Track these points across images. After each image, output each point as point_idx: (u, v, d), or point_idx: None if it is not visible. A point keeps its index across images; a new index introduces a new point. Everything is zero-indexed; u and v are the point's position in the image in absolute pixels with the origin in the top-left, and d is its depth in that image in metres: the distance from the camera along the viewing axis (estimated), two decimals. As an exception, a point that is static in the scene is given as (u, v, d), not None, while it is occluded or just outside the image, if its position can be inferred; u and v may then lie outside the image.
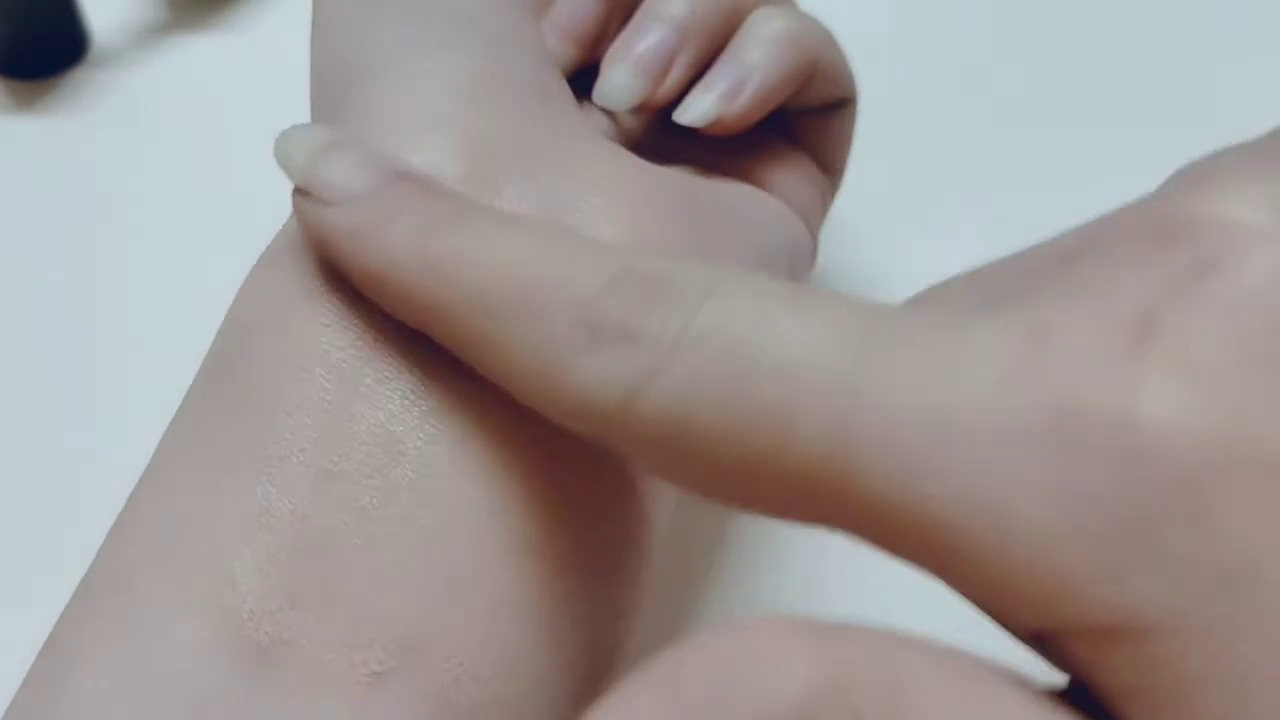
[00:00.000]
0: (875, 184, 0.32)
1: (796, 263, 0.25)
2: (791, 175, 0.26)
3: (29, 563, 0.27)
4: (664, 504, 0.21)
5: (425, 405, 0.19)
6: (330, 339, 0.19)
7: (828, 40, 0.26)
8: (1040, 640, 0.14)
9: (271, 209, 0.22)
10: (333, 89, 0.22)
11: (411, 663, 0.18)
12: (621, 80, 0.24)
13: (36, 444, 0.29)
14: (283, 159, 0.20)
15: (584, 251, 0.17)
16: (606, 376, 0.16)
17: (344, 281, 0.19)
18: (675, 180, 0.23)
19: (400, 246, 0.18)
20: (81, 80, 0.36)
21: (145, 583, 0.18)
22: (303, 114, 0.24)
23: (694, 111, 0.24)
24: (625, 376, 0.15)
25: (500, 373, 0.17)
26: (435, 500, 0.18)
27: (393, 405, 0.19)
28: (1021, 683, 0.13)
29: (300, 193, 0.19)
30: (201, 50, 0.37)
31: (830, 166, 0.28)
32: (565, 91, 0.23)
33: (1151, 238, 0.14)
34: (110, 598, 0.18)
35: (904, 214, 0.34)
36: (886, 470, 0.14)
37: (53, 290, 0.32)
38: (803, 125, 0.27)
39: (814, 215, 0.27)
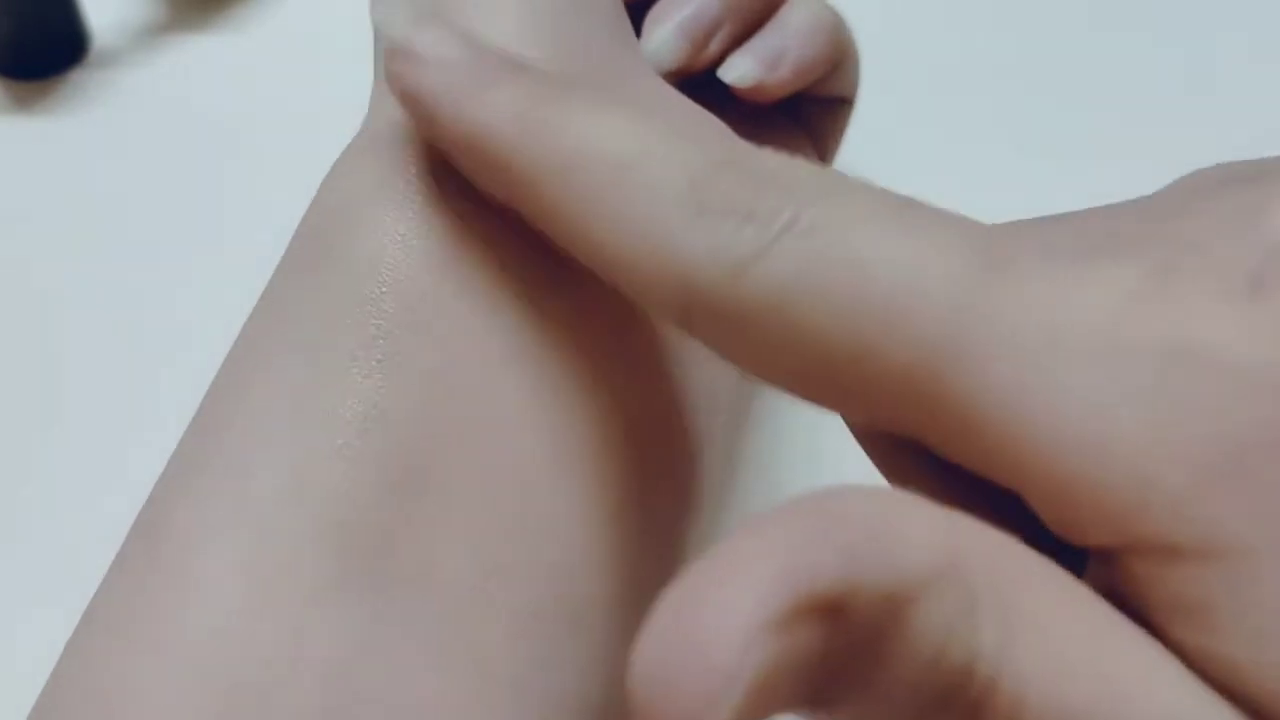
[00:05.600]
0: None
1: None
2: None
3: (27, 569, 0.27)
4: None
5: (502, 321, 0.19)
6: (415, 231, 0.19)
7: (853, 39, 0.27)
8: (1099, 554, 0.14)
9: (271, 208, 0.22)
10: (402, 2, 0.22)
11: (516, 561, 0.18)
12: (667, 39, 0.25)
13: (35, 444, 0.29)
14: (383, 22, 0.19)
15: (688, 132, 0.17)
16: (716, 246, 0.15)
17: (435, 171, 0.19)
18: (729, 132, 0.23)
19: (501, 110, 0.17)
20: (81, 80, 0.36)
21: (259, 472, 0.17)
22: (303, 114, 0.24)
23: (737, 71, 0.25)
24: (735, 250, 0.15)
25: (596, 245, 0.17)
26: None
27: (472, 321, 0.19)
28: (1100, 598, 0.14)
29: (397, 57, 0.19)
30: (201, 50, 0.37)
31: (824, 156, 0.29)
32: (630, 30, 0.24)
33: (1250, 211, 0.14)
34: (224, 481, 0.18)
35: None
36: (990, 382, 0.14)
37: (53, 290, 0.32)
38: (812, 114, 0.28)
39: None
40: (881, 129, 0.34)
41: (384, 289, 0.19)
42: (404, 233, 0.19)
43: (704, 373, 0.21)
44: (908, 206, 0.16)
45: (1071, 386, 0.14)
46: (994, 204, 0.34)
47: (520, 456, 0.18)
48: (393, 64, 0.19)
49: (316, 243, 0.20)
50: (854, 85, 0.28)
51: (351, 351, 0.18)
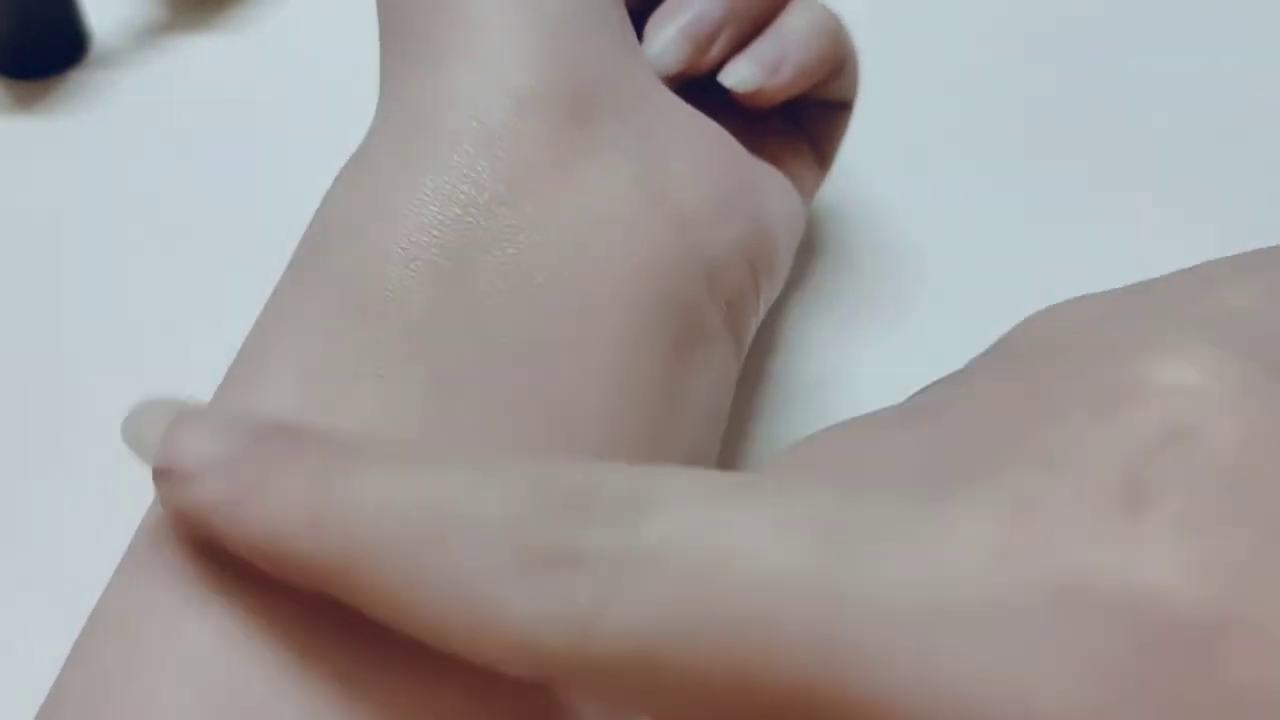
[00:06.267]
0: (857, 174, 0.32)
1: (800, 235, 0.27)
2: (795, 158, 0.28)
3: (24, 570, 0.27)
4: None
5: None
6: None
7: (852, 43, 0.27)
8: None
9: (272, 208, 0.22)
10: (413, 19, 0.21)
11: None
12: (669, 43, 0.25)
13: (34, 444, 0.29)
14: (134, 443, 0.18)
15: (494, 476, 0.15)
16: (551, 610, 0.14)
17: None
18: (738, 145, 0.24)
19: (286, 505, 0.16)
20: (81, 80, 0.36)
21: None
22: (303, 113, 0.24)
23: (739, 76, 0.25)
24: (572, 607, 0.14)
25: (424, 626, 0.15)
26: None
27: None
28: None
29: (162, 476, 0.17)
30: (201, 50, 0.37)
31: (823, 160, 0.29)
32: (634, 37, 0.24)
33: (1111, 401, 0.14)
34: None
35: (883, 201, 0.34)
36: (887, 670, 0.13)
37: (53, 290, 0.32)
38: (812, 118, 0.28)
39: (807, 198, 0.28)
40: (880, 128, 0.34)
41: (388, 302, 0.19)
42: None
43: None
44: (738, 489, 0.14)
45: (970, 654, 0.13)
46: (994, 204, 0.34)
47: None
48: (158, 488, 0.17)
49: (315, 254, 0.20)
50: (854, 89, 0.29)
51: (353, 370, 0.18)
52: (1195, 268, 0.16)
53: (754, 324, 0.25)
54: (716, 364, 0.22)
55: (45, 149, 0.35)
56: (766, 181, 0.25)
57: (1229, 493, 0.13)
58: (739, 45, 0.26)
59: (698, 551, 0.14)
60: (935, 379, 0.17)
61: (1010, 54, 0.38)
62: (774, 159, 0.27)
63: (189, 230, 0.33)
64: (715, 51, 0.25)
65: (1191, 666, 0.12)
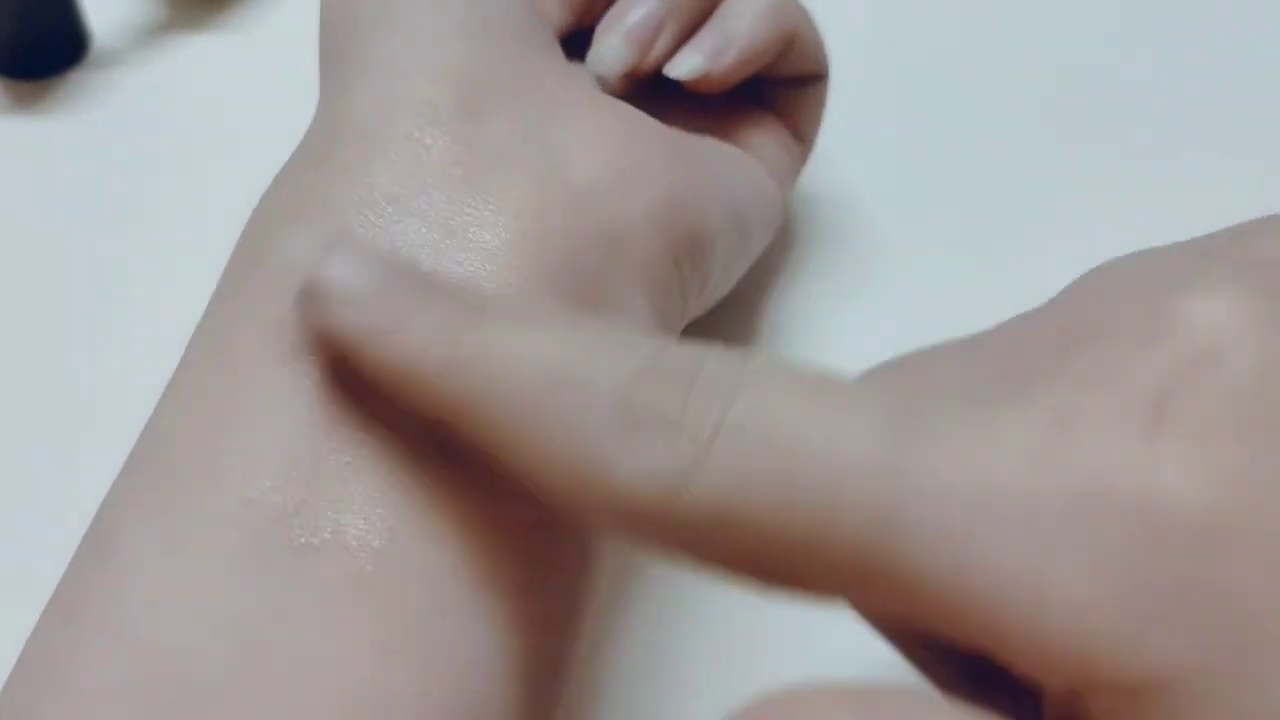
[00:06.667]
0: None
1: (766, 216, 0.28)
2: (766, 139, 0.29)
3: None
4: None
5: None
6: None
7: (804, 16, 0.28)
8: (1065, 696, 0.15)
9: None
10: (339, 38, 0.24)
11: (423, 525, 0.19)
12: (613, 48, 0.26)
13: (33, 445, 0.29)
14: (285, 259, 0.20)
15: (608, 343, 0.17)
16: (648, 467, 0.16)
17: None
18: (655, 125, 0.24)
19: (422, 344, 0.18)
20: (81, 80, 0.36)
21: (183, 466, 0.19)
22: (303, 113, 0.25)
23: (683, 66, 0.26)
24: (668, 467, 0.16)
25: (531, 470, 0.17)
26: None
27: None
28: None
29: (310, 298, 0.19)
30: (201, 50, 0.37)
31: (802, 135, 0.30)
32: (552, 43, 0.25)
33: (1146, 330, 0.15)
34: (155, 478, 0.20)
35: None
36: (932, 547, 0.15)
37: (53, 290, 0.32)
38: (778, 95, 0.29)
39: (785, 176, 0.29)
40: (880, 128, 0.34)
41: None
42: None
43: None
44: (823, 382, 0.16)
45: (1002, 543, 0.14)
46: (994, 203, 0.34)
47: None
48: (307, 305, 0.19)
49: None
50: (816, 60, 0.29)
51: (278, 358, 0.19)
52: (1234, 226, 0.17)
53: (687, 300, 0.25)
54: None
55: (45, 149, 0.35)
56: (714, 162, 0.26)
57: (1244, 413, 0.14)
58: (685, 37, 0.27)
59: (779, 428, 0.16)
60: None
61: (1006, 46, 0.38)
62: (741, 141, 0.28)
63: (189, 230, 0.33)
64: (659, 49, 0.26)
65: (1190, 566, 0.14)
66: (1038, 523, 0.14)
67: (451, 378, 0.17)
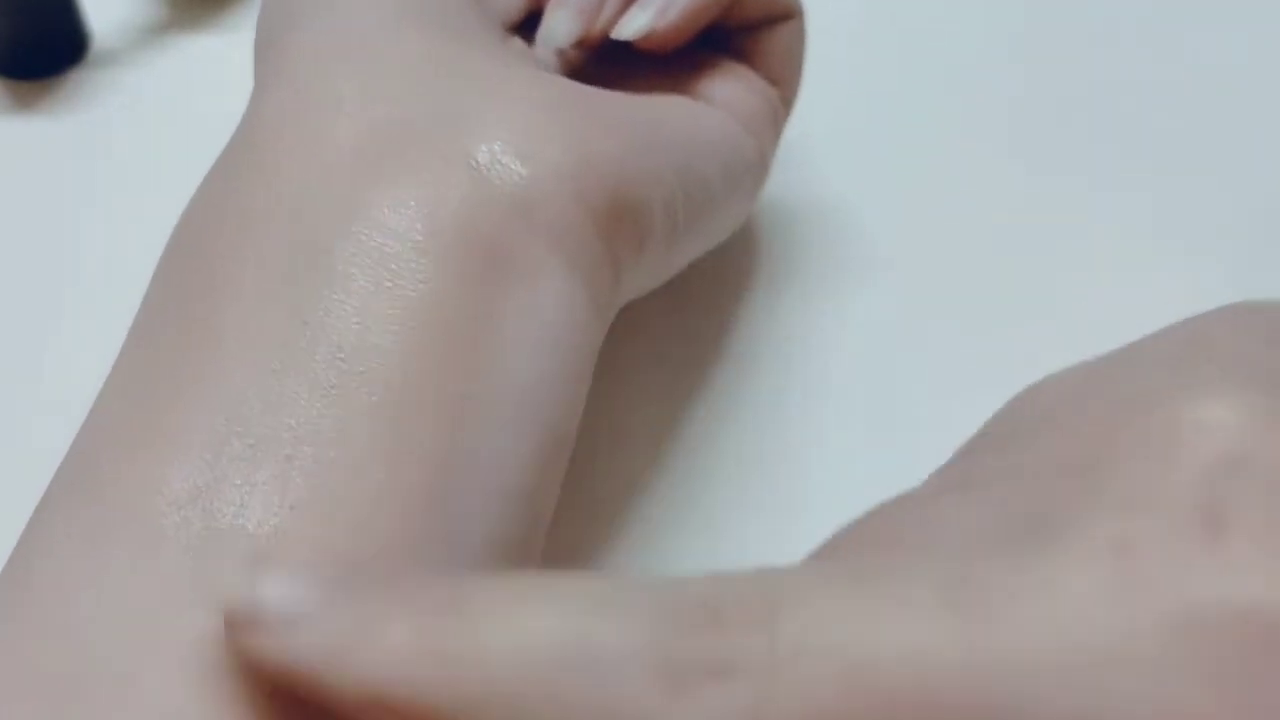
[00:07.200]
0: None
1: (739, 169, 0.27)
2: (734, 88, 0.28)
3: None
4: None
5: None
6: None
7: None
8: None
9: (272, 208, 0.22)
10: (271, 34, 0.25)
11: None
12: (560, 20, 0.27)
13: (33, 445, 0.29)
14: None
15: (616, 602, 0.15)
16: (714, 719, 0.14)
17: None
18: (580, 92, 0.24)
19: (400, 653, 0.15)
20: (81, 80, 0.36)
21: (102, 453, 0.21)
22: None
23: (630, 27, 0.26)
24: (736, 713, 0.14)
25: None
26: None
27: None
28: None
29: (246, 630, 0.16)
30: (201, 50, 0.37)
31: (779, 79, 0.29)
32: (488, 27, 0.26)
33: (1162, 444, 0.15)
34: (73, 476, 0.21)
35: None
36: (1050, 714, 0.14)
37: (53, 290, 0.32)
38: (744, 42, 0.29)
39: (763, 126, 0.28)
40: (859, 138, 0.34)
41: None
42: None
43: None
44: (858, 574, 0.15)
45: (1118, 691, 0.14)
46: (994, 202, 0.34)
47: None
48: (243, 639, 0.16)
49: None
50: (780, 2, 0.29)
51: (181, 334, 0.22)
52: (1178, 328, 0.17)
53: (620, 268, 0.24)
54: (547, 300, 0.22)
55: (45, 149, 0.35)
56: (657, 123, 0.25)
57: None
58: (630, 4, 0.27)
59: (841, 639, 0.14)
60: (940, 464, 0.18)
61: (995, 52, 0.38)
62: (707, 94, 0.28)
63: (189, 230, 0.33)
64: (606, 15, 0.27)
65: None
66: (1143, 657, 0.14)
67: (446, 685, 0.15)
